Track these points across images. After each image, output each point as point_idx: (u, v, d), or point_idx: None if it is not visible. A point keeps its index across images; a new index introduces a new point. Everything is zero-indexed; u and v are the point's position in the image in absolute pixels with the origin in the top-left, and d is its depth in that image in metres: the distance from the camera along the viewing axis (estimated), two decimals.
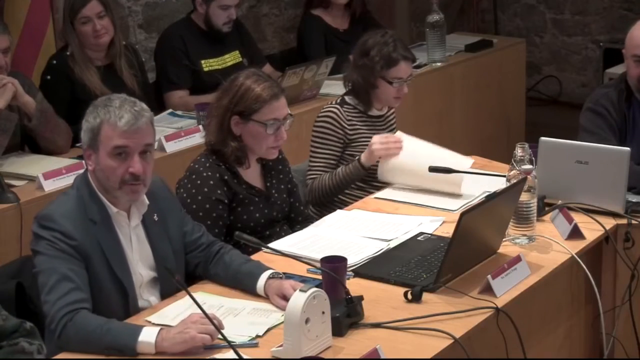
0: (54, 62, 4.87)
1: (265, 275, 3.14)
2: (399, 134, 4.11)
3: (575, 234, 3.53)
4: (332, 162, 4.14)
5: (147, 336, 2.81)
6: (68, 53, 4.83)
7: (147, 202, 3.13)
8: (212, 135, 3.64)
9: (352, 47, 5.80)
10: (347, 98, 4.25)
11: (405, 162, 4.02)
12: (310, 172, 4.13)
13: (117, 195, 3.05)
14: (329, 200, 4.10)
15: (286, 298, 2.98)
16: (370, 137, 4.14)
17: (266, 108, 3.56)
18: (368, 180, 4.18)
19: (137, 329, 2.84)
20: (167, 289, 3.16)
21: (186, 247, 3.28)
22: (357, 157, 4.07)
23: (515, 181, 3.41)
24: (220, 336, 2.74)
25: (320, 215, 4.00)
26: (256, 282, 3.13)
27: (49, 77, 4.83)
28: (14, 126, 4.30)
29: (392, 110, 4.39)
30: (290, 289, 3.03)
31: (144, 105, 3.07)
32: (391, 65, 4.13)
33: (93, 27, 4.79)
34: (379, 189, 4.13)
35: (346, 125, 4.16)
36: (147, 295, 3.14)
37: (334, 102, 4.24)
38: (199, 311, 2.77)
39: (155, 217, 3.17)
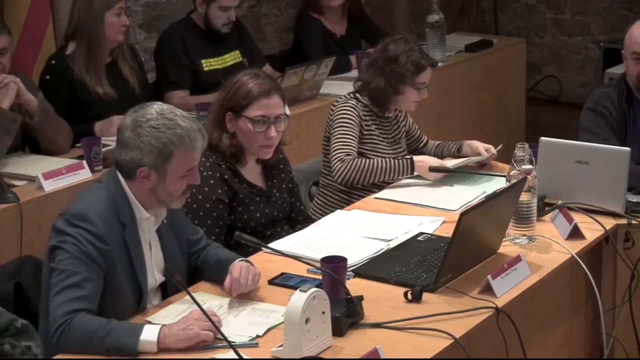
0: (53, 62, 4.86)
1: (236, 260, 3.17)
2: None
3: (575, 234, 3.53)
4: (357, 145, 4.15)
5: (149, 335, 2.80)
6: (67, 52, 4.83)
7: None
8: (210, 131, 3.65)
9: (349, 52, 5.84)
10: (358, 96, 4.25)
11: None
12: (343, 149, 4.07)
13: (172, 204, 3.06)
14: (364, 182, 4.08)
15: (231, 275, 3.07)
16: (379, 137, 4.21)
17: (255, 104, 3.56)
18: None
19: (138, 328, 2.83)
20: (173, 293, 3.16)
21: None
22: (410, 157, 4.10)
23: (515, 181, 3.41)
24: (220, 336, 2.74)
25: (322, 215, 4.00)
26: (228, 267, 3.16)
27: (47, 77, 4.83)
28: (17, 127, 4.31)
29: (399, 114, 4.38)
30: (236, 266, 3.09)
31: (190, 116, 3.07)
32: (420, 71, 4.18)
33: (123, 21, 4.84)
34: (379, 188, 4.13)
35: (362, 120, 4.18)
36: (153, 300, 3.15)
37: (347, 97, 4.25)
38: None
39: (164, 220, 3.16)
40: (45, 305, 2.94)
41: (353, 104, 4.19)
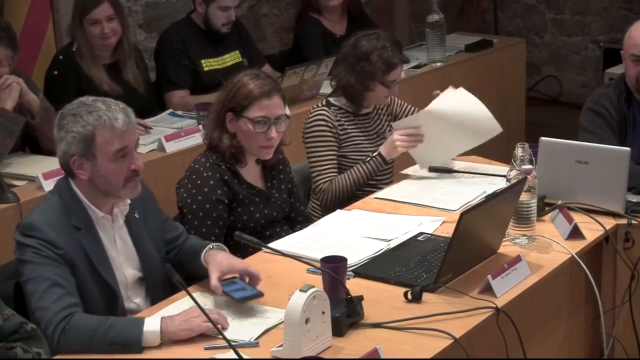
0: (61, 57, 4.90)
1: (207, 247, 3.19)
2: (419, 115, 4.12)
3: (575, 234, 3.53)
4: (336, 161, 4.14)
5: (151, 326, 2.83)
6: (74, 49, 4.86)
7: (128, 201, 3.13)
8: (210, 131, 3.65)
9: None
10: (332, 99, 4.22)
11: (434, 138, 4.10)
12: (321, 176, 4.10)
13: (120, 194, 3.04)
14: (348, 198, 4.08)
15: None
16: (359, 136, 4.19)
17: (256, 105, 3.55)
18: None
19: (140, 321, 2.86)
20: (154, 289, 3.17)
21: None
22: (376, 152, 4.08)
23: (515, 181, 3.41)
24: (220, 336, 2.74)
25: (321, 215, 4.00)
26: (200, 254, 3.18)
27: (55, 72, 4.85)
28: (20, 129, 4.31)
29: (378, 108, 4.35)
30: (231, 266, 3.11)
31: (115, 100, 3.06)
32: (390, 69, 4.12)
33: (101, 30, 4.82)
34: (379, 188, 4.13)
35: (337, 126, 4.16)
36: (135, 298, 3.15)
37: (319, 105, 4.22)
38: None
39: (136, 214, 3.16)
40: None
41: (325, 115, 4.15)
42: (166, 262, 3.19)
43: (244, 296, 3.00)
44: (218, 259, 3.12)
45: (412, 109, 4.42)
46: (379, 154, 4.08)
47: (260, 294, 3.02)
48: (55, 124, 3.02)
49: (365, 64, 4.11)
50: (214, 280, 3.05)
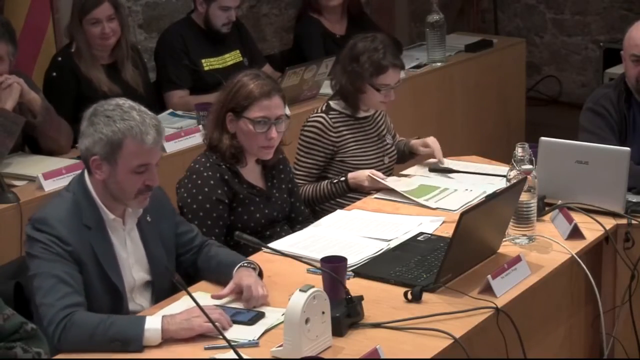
0: (59, 59, 4.88)
1: (239, 264, 3.16)
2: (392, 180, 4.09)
3: (575, 234, 3.53)
4: (314, 171, 4.14)
5: (153, 324, 2.83)
6: (72, 50, 4.85)
7: None
8: (210, 131, 3.65)
9: None
10: (332, 103, 4.21)
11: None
12: (299, 179, 4.10)
13: (129, 204, 3.05)
14: (311, 208, 4.10)
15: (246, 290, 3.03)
16: (359, 141, 4.18)
17: (256, 105, 3.55)
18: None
19: (141, 319, 2.86)
20: (161, 292, 3.16)
21: (178, 249, 3.28)
22: (344, 178, 4.05)
23: (515, 181, 3.41)
24: (220, 336, 2.74)
25: (314, 216, 3.99)
26: (232, 270, 3.14)
27: (54, 74, 4.84)
28: (20, 129, 4.30)
29: (379, 110, 4.35)
30: (247, 281, 3.05)
31: (151, 113, 3.05)
32: (380, 72, 4.08)
33: (102, 30, 4.80)
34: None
35: (333, 134, 4.13)
36: (139, 299, 3.15)
37: (319, 110, 4.20)
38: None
39: (148, 217, 3.16)
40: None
41: (320, 123, 4.13)
42: (172, 265, 3.20)
43: (251, 317, 2.98)
44: (239, 275, 3.11)
45: (395, 132, 4.42)
46: (345, 181, 4.06)
47: (261, 313, 3.01)
48: (86, 117, 3.01)
49: (355, 65, 4.10)
50: (226, 290, 3.07)
